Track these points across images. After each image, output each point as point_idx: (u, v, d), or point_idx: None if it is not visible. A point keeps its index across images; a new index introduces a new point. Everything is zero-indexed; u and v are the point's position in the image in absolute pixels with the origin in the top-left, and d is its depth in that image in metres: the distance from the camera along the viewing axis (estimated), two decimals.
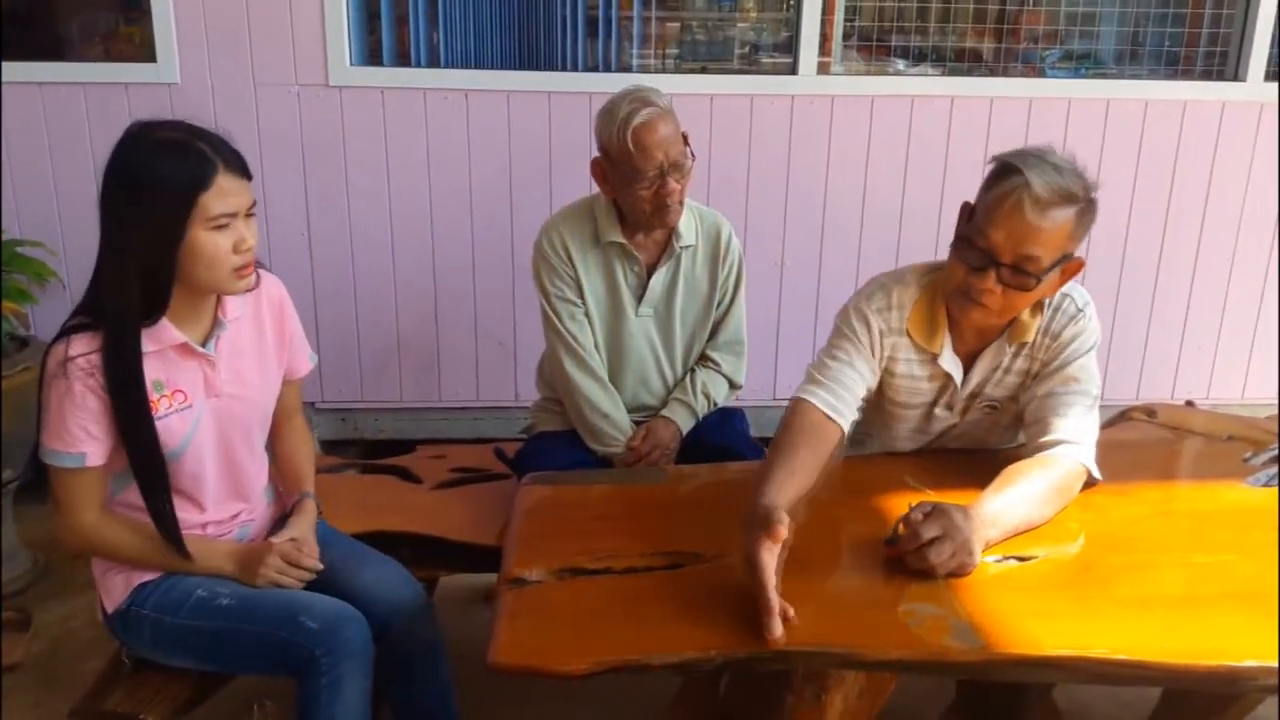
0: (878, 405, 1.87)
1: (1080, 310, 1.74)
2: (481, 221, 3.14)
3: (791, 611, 1.35)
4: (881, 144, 3.16)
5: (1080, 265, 1.67)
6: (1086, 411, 1.72)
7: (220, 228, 1.53)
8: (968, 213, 1.68)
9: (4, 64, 2.88)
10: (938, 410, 1.83)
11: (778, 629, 1.32)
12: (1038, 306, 1.73)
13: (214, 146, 1.53)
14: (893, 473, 1.78)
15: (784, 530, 1.38)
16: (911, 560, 1.47)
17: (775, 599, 1.34)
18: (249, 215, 1.57)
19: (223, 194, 1.52)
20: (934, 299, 1.75)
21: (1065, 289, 1.73)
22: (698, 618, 1.38)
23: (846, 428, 1.71)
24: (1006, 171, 1.60)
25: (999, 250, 1.59)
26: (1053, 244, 1.58)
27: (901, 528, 1.50)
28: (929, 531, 1.46)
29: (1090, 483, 1.70)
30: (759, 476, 1.56)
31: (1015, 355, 1.77)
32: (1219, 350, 3.44)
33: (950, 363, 1.76)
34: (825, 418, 1.68)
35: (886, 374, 1.80)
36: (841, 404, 1.70)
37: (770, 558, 1.36)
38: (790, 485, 1.54)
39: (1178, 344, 3.43)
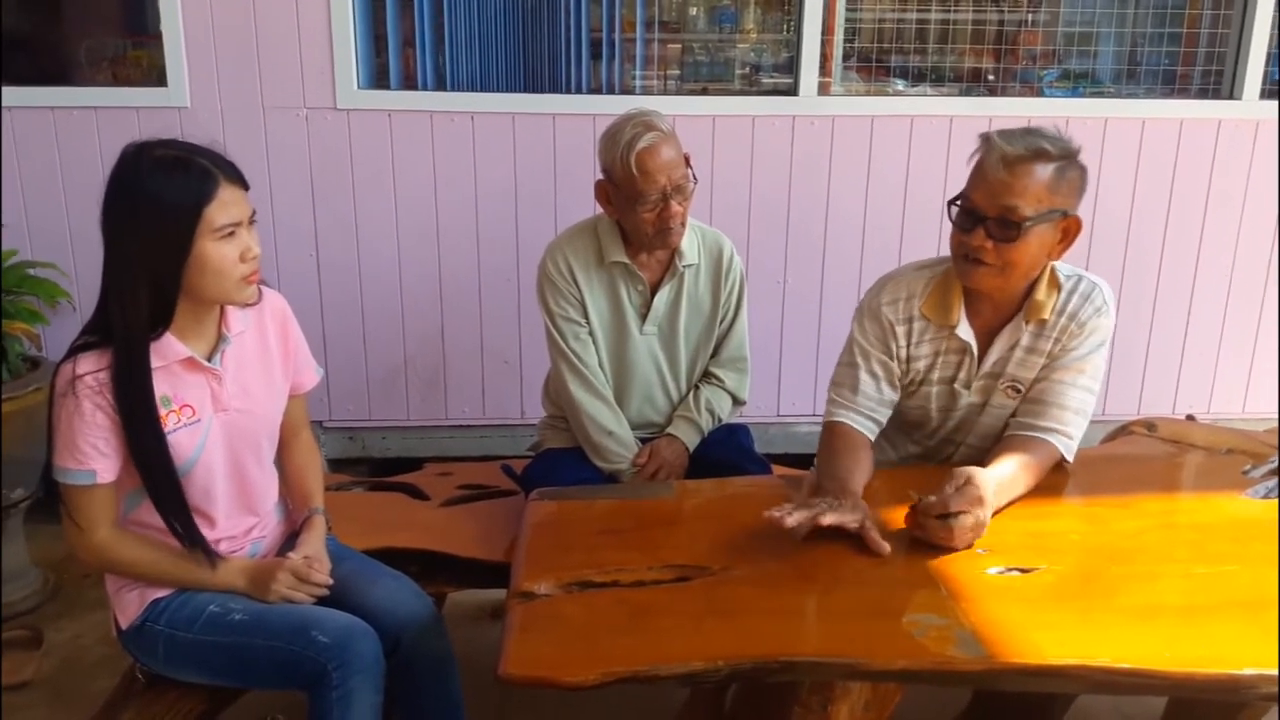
0: (903, 401, 1.96)
1: (1106, 303, 1.85)
2: (487, 241, 3.17)
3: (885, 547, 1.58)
4: (881, 163, 3.19)
5: (1078, 223, 1.76)
6: (1083, 405, 1.84)
7: (226, 238, 1.56)
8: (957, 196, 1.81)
9: (16, 89, 2.92)
10: (957, 386, 1.91)
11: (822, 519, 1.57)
12: (1053, 283, 1.82)
13: (212, 160, 1.57)
14: (896, 485, 1.79)
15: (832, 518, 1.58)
16: (928, 528, 1.59)
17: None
18: (250, 224, 1.61)
19: (225, 205, 1.55)
20: (948, 281, 1.87)
21: (1095, 280, 1.85)
22: (705, 630, 1.40)
23: (873, 435, 1.90)
24: (982, 142, 1.76)
25: (982, 207, 1.72)
26: (1029, 195, 1.69)
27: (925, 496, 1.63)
28: (957, 504, 1.58)
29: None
30: (813, 487, 1.76)
31: (1036, 335, 1.84)
32: (1218, 365, 3.46)
33: (966, 333, 1.85)
34: (852, 431, 1.87)
35: (909, 360, 1.90)
36: (866, 416, 1.89)
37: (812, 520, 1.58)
38: (849, 479, 1.73)
39: (1178, 359, 3.44)
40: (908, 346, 1.89)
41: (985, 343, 1.88)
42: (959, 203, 1.77)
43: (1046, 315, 1.82)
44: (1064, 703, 2.09)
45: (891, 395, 1.91)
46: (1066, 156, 1.72)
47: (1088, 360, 1.83)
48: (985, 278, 1.77)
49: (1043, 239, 1.74)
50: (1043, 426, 1.82)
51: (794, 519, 1.55)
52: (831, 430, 1.88)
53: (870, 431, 1.88)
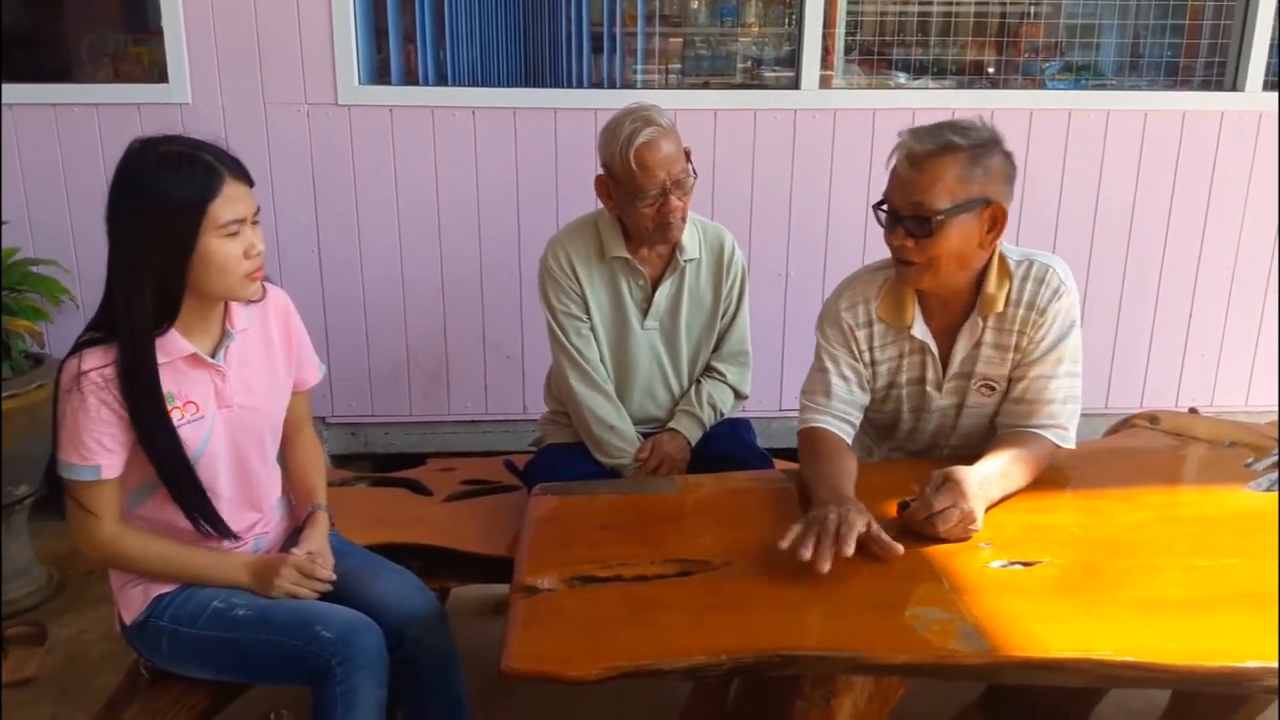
0: (875, 405, 1.95)
1: (1064, 282, 1.80)
2: (488, 236, 3.17)
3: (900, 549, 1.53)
4: (883, 156, 3.11)
5: (1001, 211, 1.73)
6: (1070, 392, 1.82)
7: (231, 234, 1.56)
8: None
9: (17, 86, 2.92)
10: (928, 388, 1.90)
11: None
12: (1004, 273, 1.80)
13: (217, 156, 1.57)
14: (899, 479, 1.79)
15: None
16: (922, 527, 1.60)
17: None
18: (255, 221, 1.61)
19: (230, 201, 1.55)
20: (900, 284, 1.85)
21: (1047, 261, 1.81)
22: (708, 624, 1.40)
23: (850, 438, 1.87)
24: (896, 142, 1.75)
25: (899, 207, 1.74)
26: (939, 190, 1.69)
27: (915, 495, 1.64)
28: (940, 501, 1.59)
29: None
30: (803, 493, 1.71)
31: (998, 330, 1.82)
32: (1221, 358, 3.46)
33: (922, 333, 1.85)
34: (832, 435, 1.84)
35: (874, 364, 1.90)
36: (841, 418, 1.87)
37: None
38: (841, 484, 1.69)
39: (1180, 352, 3.44)
40: (870, 350, 1.88)
41: (946, 342, 1.86)
42: (883, 206, 1.77)
43: (1001, 308, 1.79)
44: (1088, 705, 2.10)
45: (863, 398, 1.90)
46: (980, 146, 1.70)
47: (1061, 347, 1.80)
48: (916, 276, 1.77)
49: (964, 231, 1.71)
50: (1032, 424, 1.81)
51: (821, 559, 1.47)
52: (811, 436, 1.86)
53: (847, 435, 1.87)
